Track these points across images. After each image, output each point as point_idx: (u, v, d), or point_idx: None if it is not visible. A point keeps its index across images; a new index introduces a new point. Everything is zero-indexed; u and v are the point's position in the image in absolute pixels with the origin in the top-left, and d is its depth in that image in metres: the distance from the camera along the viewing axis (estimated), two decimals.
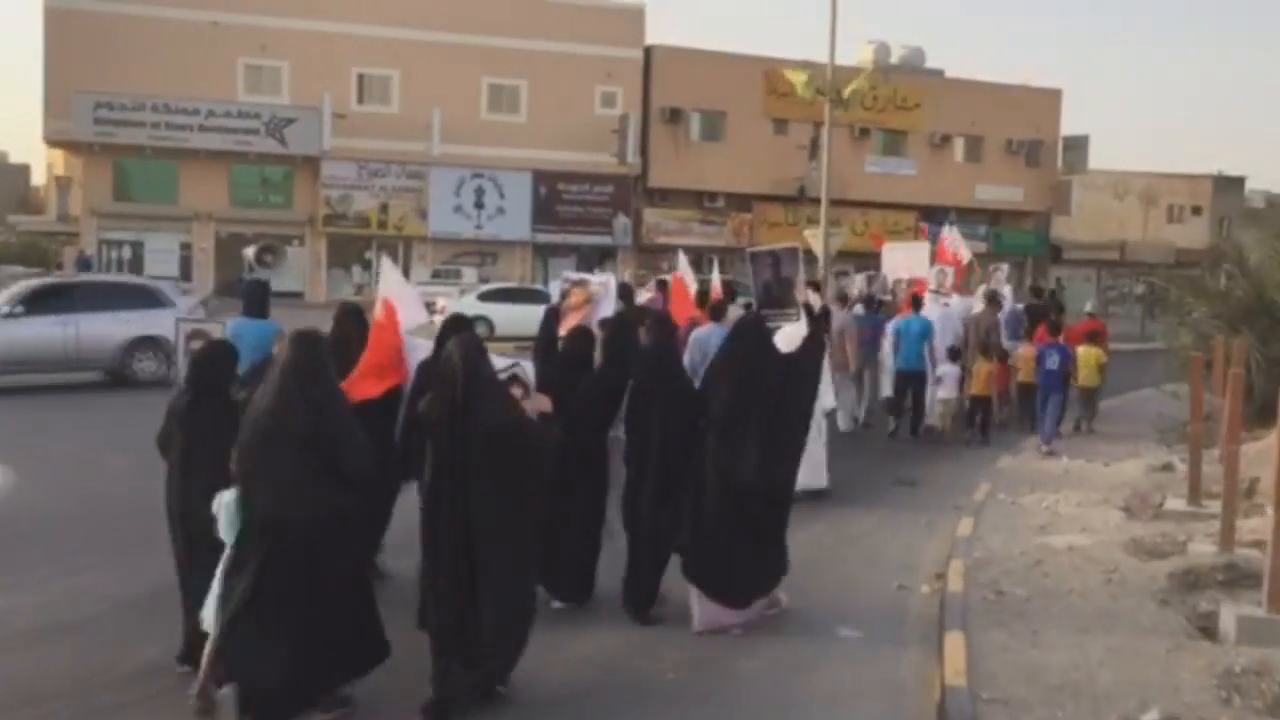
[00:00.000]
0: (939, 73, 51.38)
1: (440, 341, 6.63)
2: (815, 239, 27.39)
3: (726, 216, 46.46)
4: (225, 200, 40.20)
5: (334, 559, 5.45)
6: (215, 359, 6.40)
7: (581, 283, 10.69)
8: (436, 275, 38.91)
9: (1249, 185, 71.38)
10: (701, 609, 7.09)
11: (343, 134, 40.21)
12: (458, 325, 6.81)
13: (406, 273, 41.72)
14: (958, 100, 49.40)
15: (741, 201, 46.54)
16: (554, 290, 11.79)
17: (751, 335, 7.48)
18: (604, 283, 11.25)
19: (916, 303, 15.56)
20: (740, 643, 7.01)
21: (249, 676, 5.37)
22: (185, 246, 40.20)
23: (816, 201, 41.06)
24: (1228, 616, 6.79)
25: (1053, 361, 14.44)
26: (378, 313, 7.80)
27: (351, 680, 5.68)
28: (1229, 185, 68.17)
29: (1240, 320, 14.12)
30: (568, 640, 6.82)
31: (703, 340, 11.44)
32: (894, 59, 49.84)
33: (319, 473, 5.39)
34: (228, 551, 5.54)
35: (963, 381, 15.29)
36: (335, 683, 5.60)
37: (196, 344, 7.59)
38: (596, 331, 8.15)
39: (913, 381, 15.11)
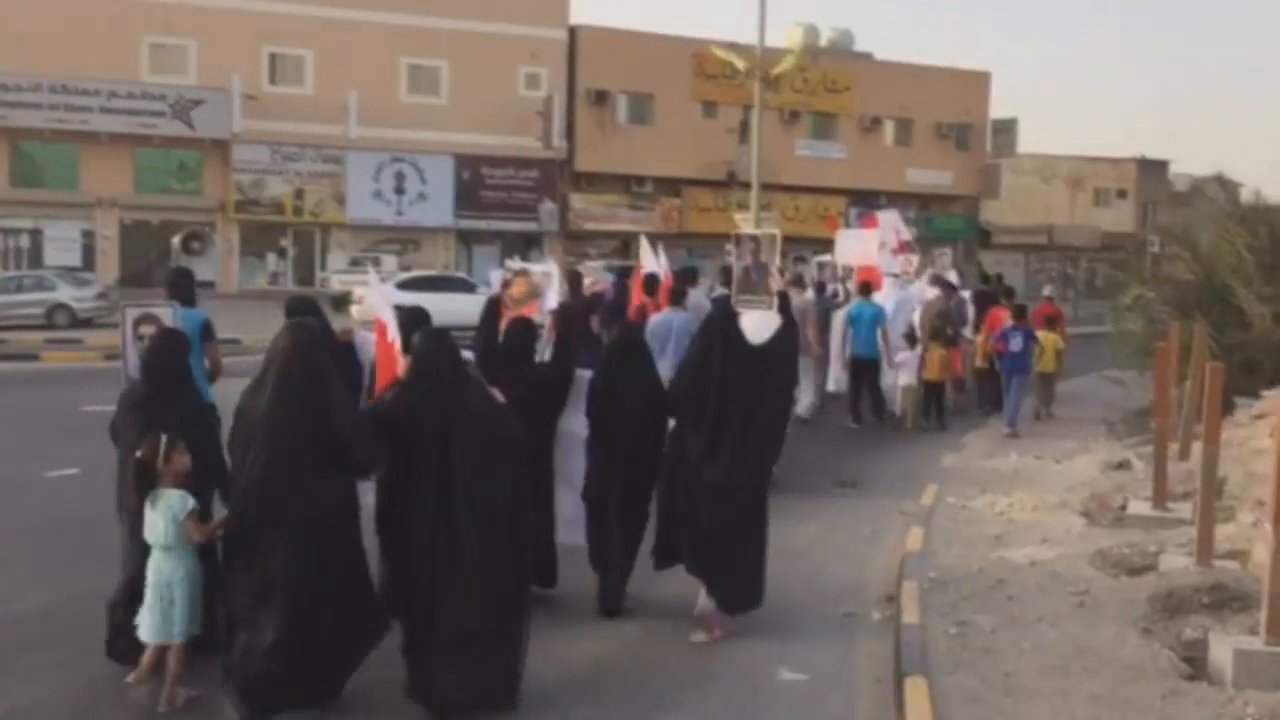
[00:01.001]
0: (868, 56, 50.79)
1: (405, 334, 6.78)
2: (746, 224, 26.57)
3: (655, 201, 45.41)
4: (129, 186, 38.25)
5: (340, 546, 5.52)
6: (170, 347, 6.34)
7: (523, 273, 10.41)
8: (355, 263, 37.41)
9: (1173, 169, 72.22)
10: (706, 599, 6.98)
11: (254, 116, 38.49)
12: (420, 319, 7.00)
13: (323, 262, 40.49)
14: (887, 83, 48.82)
15: (670, 186, 45.50)
16: (494, 280, 11.77)
17: (723, 328, 7.21)
18: (547, 273, 11.10)
19: (865, 289, 15.44)
20: (669, 690, 6.04)
21: (257, 676, 5.35)
22: (87, 234, 38.17)
23: (747, 185, 40.21)
24: (1221, 650, 5.93)
25: (1016, 343, 14.53)
26: (377, 332, 7.72)
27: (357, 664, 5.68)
28: (1153, 169, 68.59)
29: (1192, 306, 13.41)
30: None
31: (662, 326, 11.08)
32: (823, 41, 49.12)
33: (323, 462, 5.43)
34: (158, 552, 5.57)
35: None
36: (345, 670, 5.63)
37: (145, 329, 7.39)
38: (540, 323, 8.16)
39: (866, 368, 15.12)
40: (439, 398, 5.64)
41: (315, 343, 5.73)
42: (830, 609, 7.53)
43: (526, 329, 7.72)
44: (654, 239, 14.64)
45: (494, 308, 8.10)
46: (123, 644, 5.93)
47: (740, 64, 28.47)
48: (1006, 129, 54.25)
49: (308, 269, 40.70)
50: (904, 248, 18.19)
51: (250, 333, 21.75)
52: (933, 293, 16.25)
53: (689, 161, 44.79)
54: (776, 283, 9.36)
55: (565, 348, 7.68)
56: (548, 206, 43.17)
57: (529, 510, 5.97)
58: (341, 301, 31.84)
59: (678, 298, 11.84)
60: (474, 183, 42.12)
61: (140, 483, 5.60)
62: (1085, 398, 17.55)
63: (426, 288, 28.19)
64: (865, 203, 49.93)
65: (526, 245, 41.73)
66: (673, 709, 5.82)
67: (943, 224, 51.48)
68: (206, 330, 8.09)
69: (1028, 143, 55.39)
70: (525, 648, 5.73)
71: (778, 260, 10.11)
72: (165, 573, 5.58)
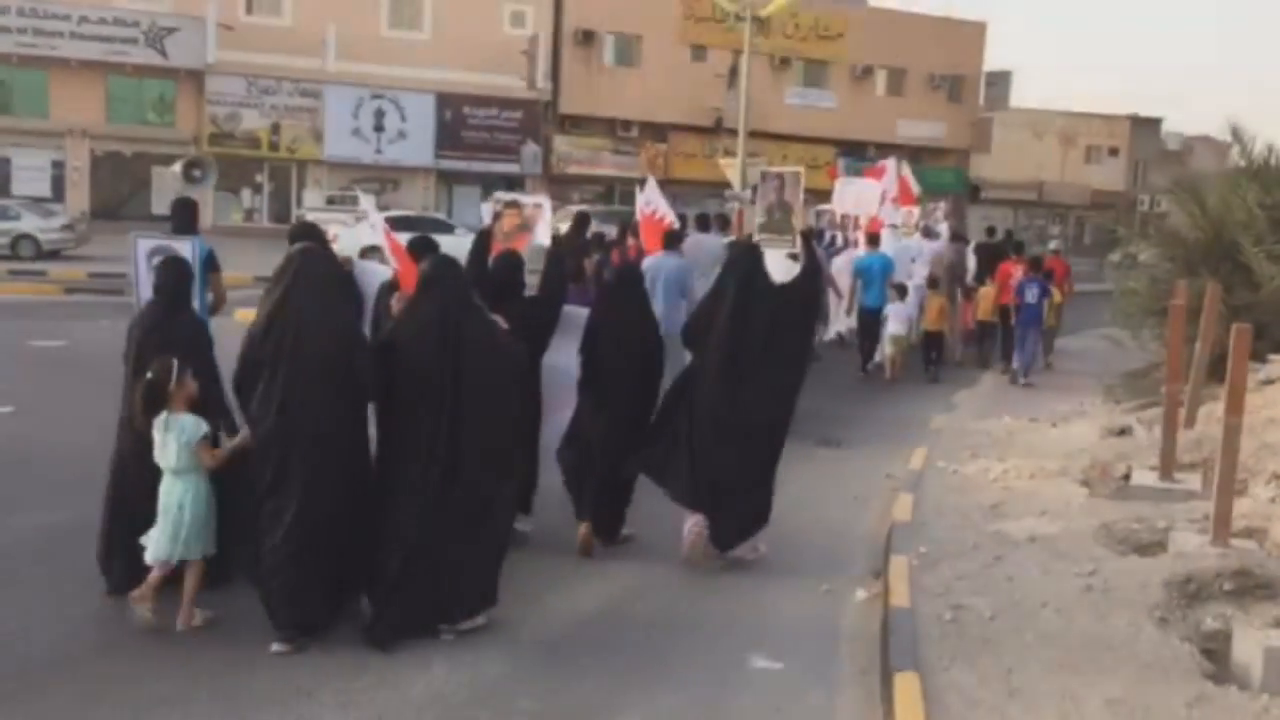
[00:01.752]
0: (861, 2, 49.64)
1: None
2: (731, 169, 25.75)
3: (640, 146, 44.38)
4: (101, 115, 37.12)
5: (349, 465, 5.61)
6: (174, 275, 6.33)
7: (514, 204, 10.26)
8: (331, 202, 36.43)
9: (1164, 128, 71.41)
10: (694, 535, 6.97)
11: (229, 46, 37.24)
12: (428, 246, 6.99)
13: (298, 198, 39.40)
14: (880, 31, 47.76)
15: (656, 131, 44.47)
16: (485, 212, 11.55)
17: (746, 267, 7.19)
18: (539, 204, 10.83)
19: (873, 240, 15.27)
20: (625, 680, 5.37)
21: (291, 599, 5.48)
22: (57, 165, 37.09)
23: (734, 133, 39.36)
24: (1248, 646, 5.29)
25: (1032, 295, 14.73)
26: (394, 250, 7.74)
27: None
28: (1145, 126, 67.82)
29: (1199, 264, 12.70)
30: None
31: (651, 268, 10.77)
32: None
33: (335, 383, 5.51)
34: (169, 476, 5.60)
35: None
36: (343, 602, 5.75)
37: (159, 260, 7.26)
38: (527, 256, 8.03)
39: (876, 318, 15.13)
40: (447, 323, 5.66)
41: (323, 265, 5.85)
42: (810, 585, 6.87)
43: (514, 263, 7.60)
44: (639, 185, 14.05)
45: (484, 241, 7.91)
46: (121, 568, 6.00)
47: (729, 5, 27.47)
48: (1000, 82, 53.23)
49: (283, 206, 39.62)
50: (909, 199, 18.20)
51: (228, 270, 21.11)
52: (938, 244, 16.55)
53: (676, 106, 43.76)
54: (800, 221, 8.92)
55: (551, 284, 7.55)
56: (530, 149, 42.16)
57: (523, 439, 6.08)
58: None
59: (672, 241, 11.48)
60: (455, 122, 41.04)
61: (149, 405, 5.61)
62: (1079, 356, 16.98)
63: (403, 228, 26.85)
64: (855, 154, 49.04)
65: (508, 187, 40.68)
66: (628, 707, 5.13)
67: (933, 178, 50.45)
68: (211, 261, 8.05)
69: (1019, 97, 54.41)
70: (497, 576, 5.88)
71: (801, 198, 9.58)
72: (176, 495, 5.61)
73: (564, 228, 13.94)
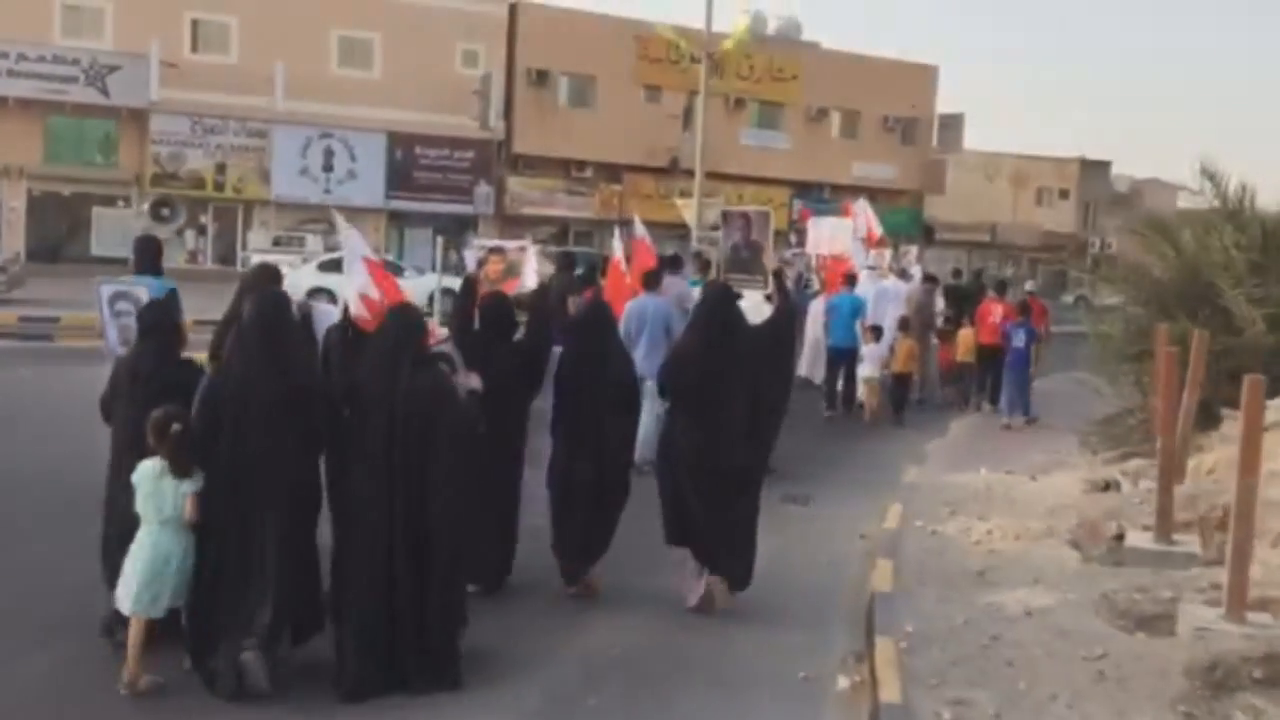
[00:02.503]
0: (815, 45, 49.60)
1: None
2: (687, 210, 25.27)
3: (595, 187, 43.91)
4: (38, 155, 36.00)
5: (303, 522, 5.55)
6: (161, 320, 6.21)
7: (499, 250, 10.32)
8: (278, 243, 35.61)
9: (1114, 170, 72.03)
10: (692, 586, 6.89)
11: (173, 85, 36.33)
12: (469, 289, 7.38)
13: (244, 240, 38.46)
14: (835, 73, 47.77)
15: (611, 172, 44.03)
16: (469, 259, 11.47)
17: (721, 307, 7.08)
18: (523, 247, 10.93)
19: (850, 280, 15.24)
20: None
21: (222, 648, 5.37)
22: None
23: (689, 173, 38.95)
24: None
25: (1019, 339, 14.92)
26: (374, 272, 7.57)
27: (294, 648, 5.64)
28: (1095, 169, 68.36)
29: (1174, 306, 12.21)
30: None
31: (636, 310, 10.72)
32: (770, 29, 47.81)
33: (292, 435, 5.45)
34: (153, 524, 5.45)
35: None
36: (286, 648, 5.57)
37: (122, 305, 7.48)
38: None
39: (846, 359, 15.02)
40: (394, 374, 5.61)
41: (283, 310, 5.78)
42: (784, 670, 6.15)
43: (502, 304, 7.49)
44: (596, 226, 13.61)
45: (470, 287, 7.68)
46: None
47: (684, 44, 27.13)
48: (953, 124, 53.41)
49: (228, 247, 38.68)
50: (878, 241, 18.05)
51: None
52: (911, 286, 16.61)
53: (631, 147, 43.37)
54: (770, 261, 8.66)
55: (538, 326, 7.44)
56: (483, 189, 41.52)
57: (467, 501, 5.80)
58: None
59: (651, 282, 11.22)
60: (407, 162, 40.36)
61: (183, 452, 5.43)
62: (1048, 400, 16.50)
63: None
64: (809, 195, 48.91)
65: (461, 228, 40.11)
66: None
67: (887, 219, 49.83)
68: (173, 301, 7.71)
69: (971, 140, 54.53)
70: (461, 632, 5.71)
71: (770, 238, 9.29)
72: (164, 546, 5.43)
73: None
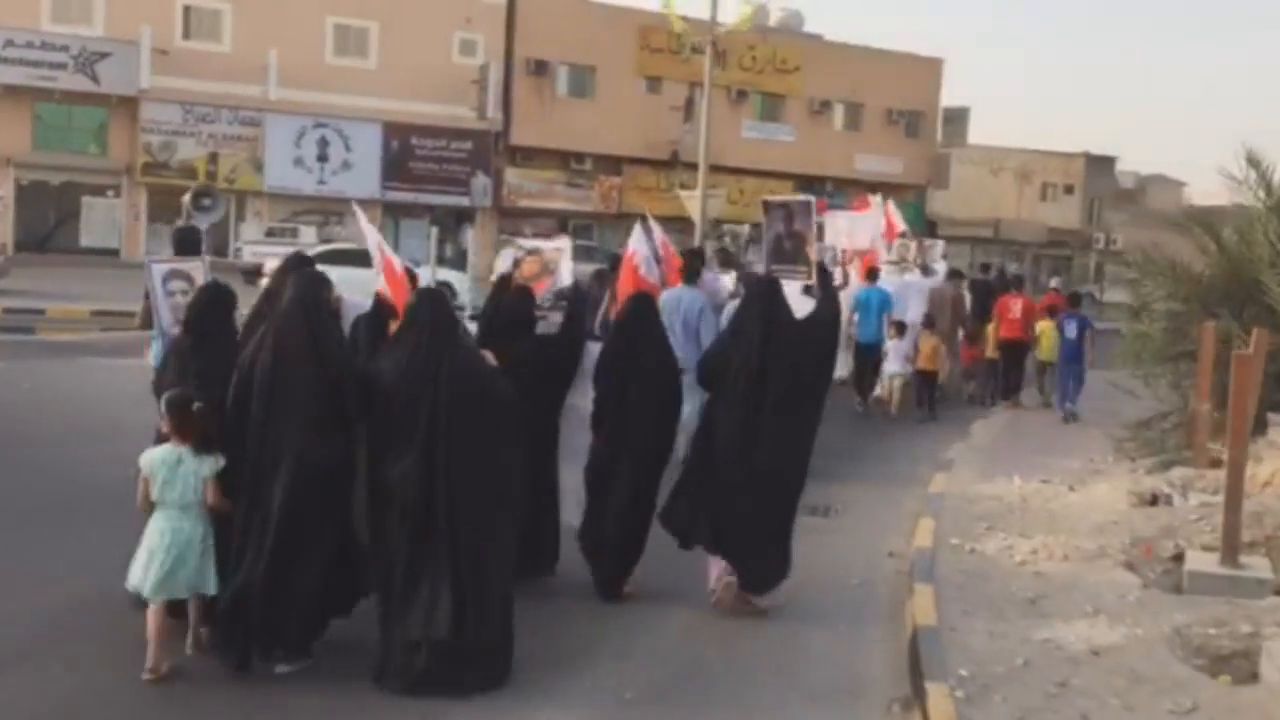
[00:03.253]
0: (818, 38, 48.81)
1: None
2: (691, 202, 24.53)
3: (594, 179, 43.14)
4: (27, 143, 35.22)
5: (329, 503, 5.50)
6: (216, 302, 6.26)
7: (535, 251, 10.26)
8: (270, 234, 34.79)
9: (1118, 166, 71.28)
10: (723, 585, 6.72)
11: (165, 73, 35.55)
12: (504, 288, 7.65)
13: (236, 231, 37.65)
14: (838, 65, 47.01)
15: (611, 164, 43.26)
16: (506, 260, 11.28)
17: (768, 300, 6.84)
18: (559, 248, 10.73)
19: (873, 274, 15.02)
20: None
21: (272, 625, 5.40)
22: None
23: (690, 166, 38.17)
24: None
25: (1072, 330, 15.01)
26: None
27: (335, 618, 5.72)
28: (1100, 165, 67.60)
29: (1216, 304, 11.49)
30: None
31: (671, 302, 10.29)
32: (772, 21, 47.01)
33: (322, 415, 5.43)
34: (173, 510, 5.44)
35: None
36: (326, 622, 5.68)
37: (177, 284, 7.55)
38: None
39: (872, 354, 14.88)
40: (430, 358, 5.51)
41: (317, 293, 5.70)
42: (819, 716, 5.41)
43: (523, 298, 7.49)
44: (595, 219, 13.10)
45: (504, 286, 7.75)
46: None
47: (689, 31, 26.40)
48: (957, 118, 52.72)
49: (221, 239, 37.81)
50: (900, 234, 17.85)
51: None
52: (935, 281, 16.45)
53: (631, 139, 42.61)
54: (814, 252, 8.52)
55: (574, 321, 7.39)
56: (481, 181, 40.75)
57: (519, 479, 5.78)
58: (252, 275, 29.39)
59: (691, 275, 10.96)
60: (403, 153, 39.57)
61: (202, 433, 5.47)
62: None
63: (341, 261, 24.92)
64: (812, 189, 48.16)
65: (458, 221, 39.37)
66: None
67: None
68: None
69: (976, 134, 53.84)
70: (510, 629, 5.59)
71: (814, 227, 8.84)
72: (183, 532, 5.44)
73: (501, 264, 12.53)
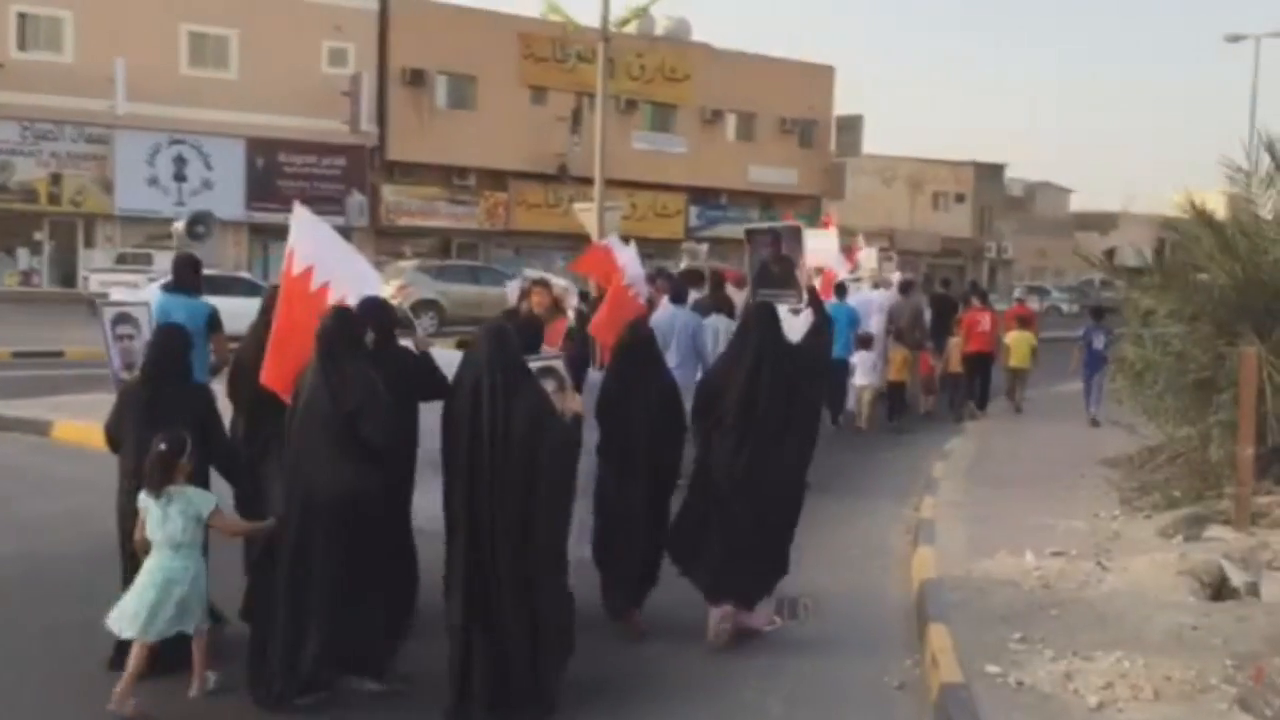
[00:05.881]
0: (706, 46, 47.02)
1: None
2: (587, 216, 22.27)
3: (479, 195, 40.62)
4: None
5: (369, 534, 5.54)
6: (172, 346, 6.25)
7: (543, 283, 9.96)
8: (122, 261, 31.56)
9: (1007, 174, 71.10)
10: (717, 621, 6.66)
11: (0, 86, 32.24)
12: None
13: (83, 258, 34.27)
14: (729, 73, 45.31)
15: (496, 179, 40.79)
16: (511, 290, 11.19)
17: (766, 323, 6.89)
18: (567, 287, 10.85)
19: (841, 290, 14.81)
20: None
21: (290, 663, 5.47)
22: None
23: (580, 180, 35.98)
24: None
25: (1099, 341, 15.24)
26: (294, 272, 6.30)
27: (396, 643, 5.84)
28: (989, 173, 67.26)
29: (1233, 321, 9.61)
30: None
31: (664, 323, 10.48)
32: (659, 30, 45.04)
33: (347, 448, 5.45)
34: (165, 549, 5.55)
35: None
36: (379, 655, 5.73)
37: (124, 328, 7.78)
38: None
39: (840, 370, 14.52)
40: (478, 395, 5.48)
41: (349, 327, 5.71)
42: None
43: (533, 329, 7.46)
44: (480, 238, 11.63)
45: (511, 320, 7.59)
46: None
47: (575, 28, 24.16)
48: (851, 127, 51.39)
49: (68, 267, 34.57)
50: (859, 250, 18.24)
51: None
52: (890, 295, 16.50)
53: (516, 152, 40.26)
54: (805, 277, 8.53)
55: (578, 354, 7.50)
56: (356, 199, 37.97)
57: (566, 523, 5.78)
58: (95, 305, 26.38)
59: (678, 296, 11.30)
60: (269, 170, 36.63)
61: (161, 477, 5.55)
62: (1033, 428, 14.90)
63: (206, 290, 22.58)
64: (705, 201, 46.37)
65: None
66: None
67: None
68: (213, 322, 8.17)
69: (871, 143, 52.67)
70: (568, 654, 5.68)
71: (803, 253, 8.45)
72: (173, 571, 5.54)
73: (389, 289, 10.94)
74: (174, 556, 5.53)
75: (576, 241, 27.76)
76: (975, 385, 16.51)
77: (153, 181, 35.00)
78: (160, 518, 5.53)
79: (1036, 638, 6.45)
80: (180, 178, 35.45)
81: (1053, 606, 7.03)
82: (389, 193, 38.78)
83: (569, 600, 5.73)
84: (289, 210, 26.80)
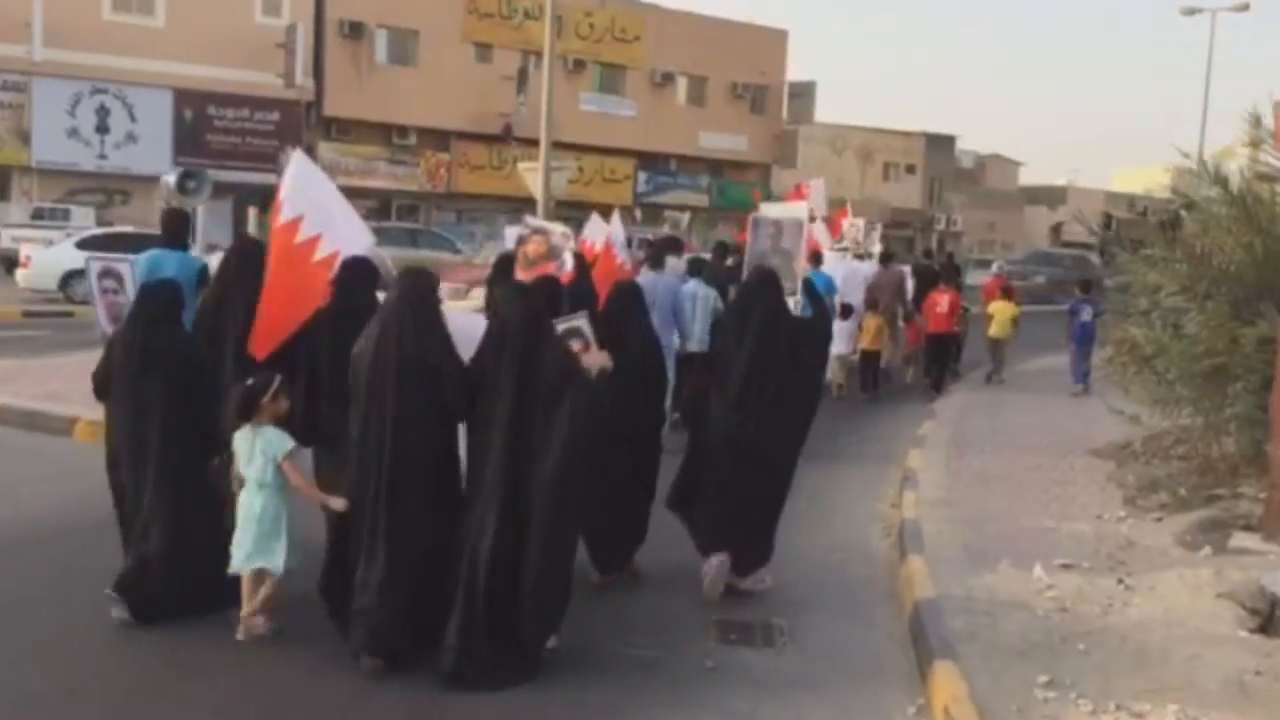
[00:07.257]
0: (657, 7, 45.66)
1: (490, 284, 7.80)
2: (532, 176, 21.04)
3: (420, 155, 39.08)
4: None
5: (437, 493, 5.55)
6: (166, 295, 6.29)
7: (542, 231, 10.12)
8: (39, 216, 29.80)
9: (958, 146, 70.44)
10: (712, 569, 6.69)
11: None
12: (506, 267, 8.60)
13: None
14: (680, 35, 44.07)
15: (438, 138, 39.25)
16: (510, 237, 11.50)
17: (767, 290, 7.02)
18: (566, 233, 10.67)
19: (816, 258, 14.49)
20: None
21: (378, 620, 5.40)
22: None
23: (525, 142, 34.58)
24: None
25: (1087, 315, 15.47)
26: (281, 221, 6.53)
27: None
28: (940, 144, 66.51)
29: (1253, 300, 8.64)
30: None
31: (647, 289, 9.43)
32: None
33: (426, 408, 5.48)
34: (251, 486, 5.70)
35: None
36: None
37: (108, 282, 8.05)
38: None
39: None
40: (514, 359, 5.48)
41: (426, 289, 5.72)
42: None
43: (552, 288, 7.08)
44: (421, 199, 10.81)
45: (506, 266, 8.00)
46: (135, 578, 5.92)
47: None
48: (804, 93, 50.34)
49: None
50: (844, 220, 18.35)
51: None
52: (871, 266, 16.65)
53: (459, 111, 38.77)
54: (801, 269, 8.94)
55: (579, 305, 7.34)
56: (291, 156, 36.24)
57: (586, 479, 5.61)
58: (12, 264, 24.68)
59: (657, 262, 11.63)
60: (198, 123, 34.91)
61: (242, 413, 5.69)
62: (1009, 412, 13.96)
63: (116, 246, 20.32)
64: (654, 166, 45.15)
65: (264, 200, 34.85)
66: None
67: (736, 193, 46.89)
68: (204, 277, 8.24)
69: (824, 112, 51.74)
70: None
71: (803, 245, 9.45)
72: (253, 508, 5.68)
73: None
74: (257, 494, 5.69)
75: (521, 205, 26.51)
76: (934, 368, 16.39)
77: (73, 133, 33.13)
78: (247, 455, 5.71)
79: (1066, 680, 5.39)
80: (103, 129, 33.60)
81: (1077, 638, 5.97)
82: (325, 150, 37.06)
83: (571, 566, 5.68)
84: (221, 166, 26.40)
